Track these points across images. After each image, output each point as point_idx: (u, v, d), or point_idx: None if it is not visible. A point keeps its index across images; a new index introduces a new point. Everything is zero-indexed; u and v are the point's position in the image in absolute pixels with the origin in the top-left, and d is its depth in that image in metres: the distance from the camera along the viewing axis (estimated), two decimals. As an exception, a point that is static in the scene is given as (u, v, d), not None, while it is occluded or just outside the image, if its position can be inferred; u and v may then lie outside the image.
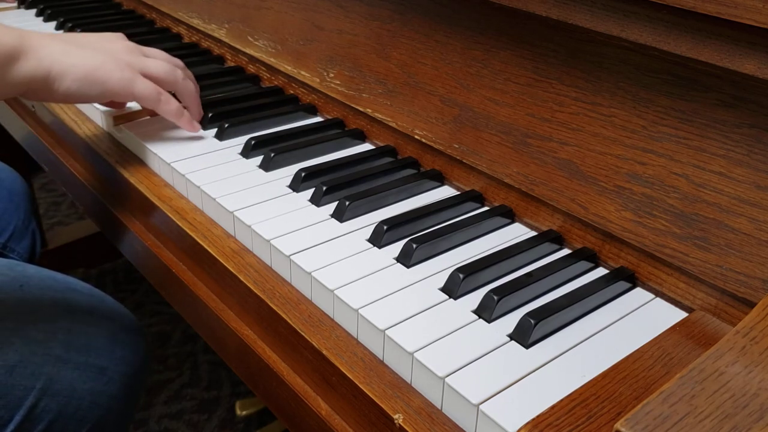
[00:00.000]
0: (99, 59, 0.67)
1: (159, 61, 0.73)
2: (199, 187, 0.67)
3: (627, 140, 0.56)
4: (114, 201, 0.77)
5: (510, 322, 0.50)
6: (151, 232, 0.72)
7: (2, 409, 0.65)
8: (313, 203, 0.65)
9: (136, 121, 0.80)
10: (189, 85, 0.76)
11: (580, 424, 0.41)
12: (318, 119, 0.83)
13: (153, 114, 0.79)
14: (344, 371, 0.49)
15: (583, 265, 0.58)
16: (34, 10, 1.17)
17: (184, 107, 0.75)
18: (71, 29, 1.05)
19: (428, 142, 0.69)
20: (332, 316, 0.54)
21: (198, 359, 1.43)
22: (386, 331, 0.49)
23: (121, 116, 0.80)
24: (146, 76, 0.71)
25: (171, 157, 0.71)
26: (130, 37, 1.03)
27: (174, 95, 0.75)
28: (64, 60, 0.64)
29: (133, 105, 0.81)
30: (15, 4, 1.21)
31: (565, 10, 0.57)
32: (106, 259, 1.68)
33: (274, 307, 0.55)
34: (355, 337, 0.52)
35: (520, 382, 0.45)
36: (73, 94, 0.66)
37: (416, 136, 0.70)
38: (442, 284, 0.54)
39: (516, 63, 0.63)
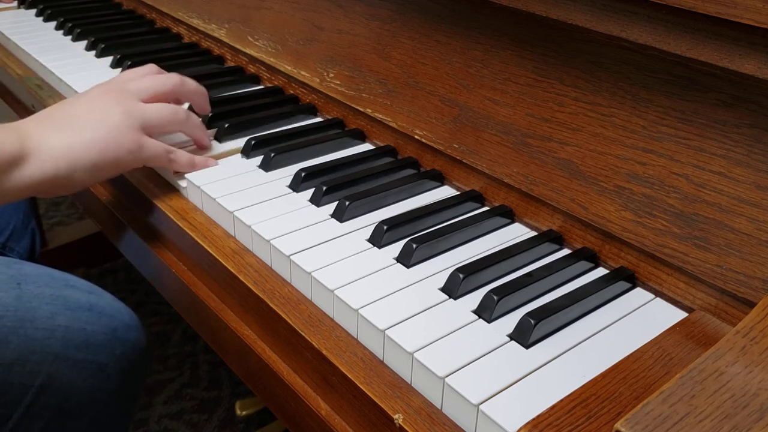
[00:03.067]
0: (101, 140, 0.63)
1: (159, 107, 0.69)
2: (198, 187, 0.67)
3: (627, 140, 0.56)
4: (113, 201, 0.77)
5: (510, 322, 0.50)
6: (151, 231, 0.72)
7: (1, 406, 0.65)
8: (313, 203, 0.65)
9: None
10: (194, 121, 0.73)
11: (580, 424, 0.41)
12: (318, 119, 0.83)
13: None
14: (344, 371, 0.49)
15: (583, 265, 0.58)
16: (34, 10, 1.17)
17: (196, 140, 0.74)
18: (71, 29, 1.05)
19: (428, 142, 0.69)
20: (332, 316, 0.54)
21: (198, 359, 1.43)
22: (386, 331, 0.49)
23: None
24: (148, 128, 0.67)
25: (171, 157, 0.71)
26: (130, 36, 1.04)
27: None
28: (67, 156, 0.61)
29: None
30: (15, 4, 1.21)
31: (565, 10, 0.57)
32: (106, 259, 1.68)
33: (274, 307, 0.55)
34: (355, 337, 0.52)
35: (520, 382, 0.45)
36: (88, 182, 0.64)
37: (416, 136, 0.70)
38: (442, 284, 0.54)
39: (516, 63, 0.63)
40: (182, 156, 0.70)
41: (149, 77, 0.72)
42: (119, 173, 0.68)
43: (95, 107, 0.65)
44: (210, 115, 0.79)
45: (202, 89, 0.76)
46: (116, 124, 0.64)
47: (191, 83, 0.75)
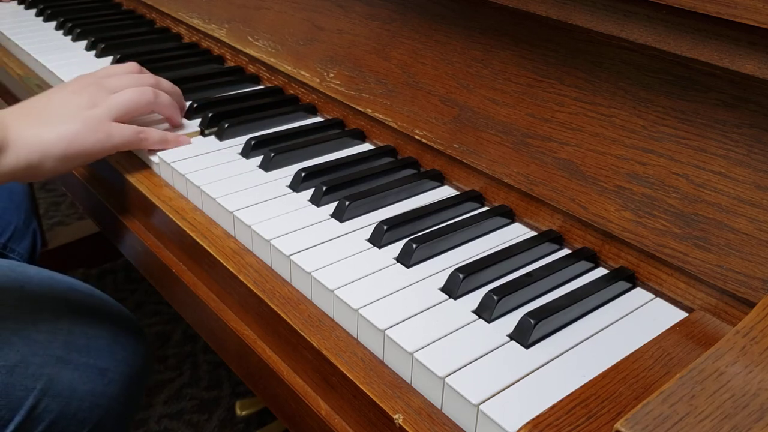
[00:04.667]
0: (71, 129, 0.66)
1: (126, 92, 0.72)
2: (199, 187, 0.67)
3: (627, 140, 0.56)
4: (114, 201, 0.78)
5: (510, 322, 0.50)
6: (151, 232, 0.72)
7: (3, 409, 0.65)
8: (313, 203, 0.65)
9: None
10: (163, 99, 0.75)
11: (580, 424, 0.41)
12: (318, 119, 0.83)
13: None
14: (344, 371, 0.49)
15: (583, 265, 0.58)
16: (34, 10, 1.17)
17: (167, 117, 0.76)
18: (71, 29, 1.05)
19: (428, 142, 0.69)
20: (332, 316, 0.54)
21: (198, 359, 1.43)
22: (386, 331, 0.49)
23: None
24: (120, 117, 0.70)
25: (171, 157, 0.71)
26: (130, 37, 1.04)
27: None
28: (40, 147, 0.65)
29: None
30: (14, 3, 1.21)
31: (565, 10, 0.57)
32: (106, 259, 1.68)
33: (274, 307, 0.55)
34: (355, 337, 0.52)
35: (520, 382, 0.45)
36: (60, 171, 0.67)
37: (416, 136, 0.70)
38: (442, 284, 0.54)
39: (516, 63, 0.63)
40: (153, 133, 0.72)
41: (125, 74, 0.75)
42: (92, 161, 0.71)
43: (70, 102, 0.69)
44: (210, 115, 0.79)
45: (172, 105, 0.77)
46: (86, 117, 0.68)
47: (164, 98, 0.76)
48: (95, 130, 0.68)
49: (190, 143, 0.76)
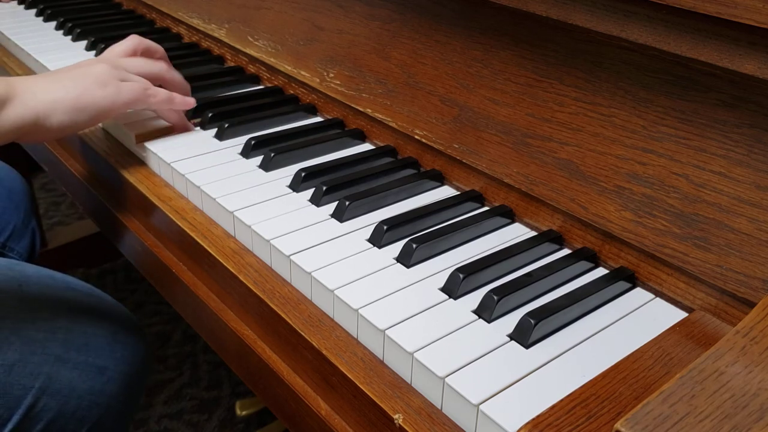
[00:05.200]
0: (81, 85, 0.68)
1: (137, 60, 0.75)
2: (199, 187, 0.67)
3: (627, 140, 0.56)
4: (114, 201, 0.78)
5: (510, 322, 0.50)
6: (151, 232, 0.72)
7: (1, 408, 0.65)
8: (313, 203, 0.65)
9: (126, 113, 0.80)
10: (175, 75, 0.78)
11: (580, 424, 0.41)
12: (318, 119, 0.83)
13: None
14: (344, 371, 0.49)
15: (583, 265, 0.58)
16: (34, 10, 1.17)
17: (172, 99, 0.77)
18: (71, 29, 1.05)
19: (428, 142, 0.69)
20: (332, 316, 0.54)
21: (198, 359, 1.43)
22: (386, 331, 0.49)
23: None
24: (129, 80, 0.72)
25: (171, 157, 0.71)
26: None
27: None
28: (49, 97, 0.65)
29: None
30: (14, 3, 1.21)
31: (565, 10, 0.57)
32: (106, 259, 1.68)
33: (274, 307, 0.55)
34: (355, 337, 0.52)
35: (520, 382, 0.45)
36: (67, 126, 0.67)
37: (416, 136, 0.70)
38: (442, 284, 0.54)
39: (516, 63, 0.63)
40: (160, 91, 0.74)
41: (142, 60, 0.77)
42: (99, 121, 0.71)
43: (83, 67, 0.71)
44: (210, 115, 0.79)
45: (183, 81, 0.80)
46: (96, 76, 0.69)
47: (176, 74, 0.79)
48: (105, 85, 0.69)
49: (194, 129, 0.77)
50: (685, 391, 0.36)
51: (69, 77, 0.68)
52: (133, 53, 0.77)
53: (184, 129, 0.77)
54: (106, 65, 0.72)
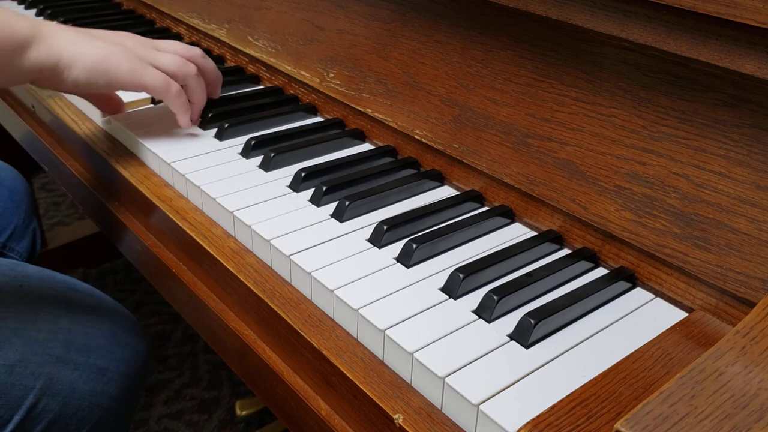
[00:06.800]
0: (109, 50, 0.68)
1: (171, 56, 0.73)
2: (199, 187, 0.67)
3: (627, 140, 0.56)
4: (114, 201, 0.78)
5: (510, 322, 0.50)
6: (151, 232, 0.72)
7: (2, 408, 0.65)
8: (313, 203, 0.65)
9: (126, 113, 0.80)
10: (199, 84, 0.76)
11: (580, 424, 0.41)
12: (318, 119, 0.83)
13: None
14: (344, 371, 0.49)
15: (583, 265, 0.58)
16: (34, 10, 1.17)
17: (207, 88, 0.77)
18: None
19: (428, 142, 0.69)
20: (332, 316, 0.54)
21: (198, 359, 1.43)
22: (386, 331, 0.49)
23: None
24: (157, 69, 0.71)
25: (171, 157, 0.71)
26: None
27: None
28: (74, 49, 0.65)
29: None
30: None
31: (565, 10, 0.57)
32: (106, 259, 1.68)
33: (274, 307, 0.55)
34: (355, 337, 0.52)
35: (520, 382, 0.45)
36: (82, 84, 0.67)
37: (416, 136, 0.70)
38: (442, 284, 0.54)
39: (516, 63, 0.63)
40: (184, 96, 0.73)
41: (175, 46, 0.76)
42: (114, 90, 0.72)
43: (115, 35, 0.71)
44: (210, 115, 0.79)
45: (203, 94, 0.78)
46: (127, 47, 0.69)
47: (201, 84, 0.77)
48: (132, 61, 0.68)
49: (201, 131, 0.77)
50: (685, 391, 0.36)
51: (100, 38, 0.68)
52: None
53: (186, 123, 0.76)
54: (139, 40, 0.72)
